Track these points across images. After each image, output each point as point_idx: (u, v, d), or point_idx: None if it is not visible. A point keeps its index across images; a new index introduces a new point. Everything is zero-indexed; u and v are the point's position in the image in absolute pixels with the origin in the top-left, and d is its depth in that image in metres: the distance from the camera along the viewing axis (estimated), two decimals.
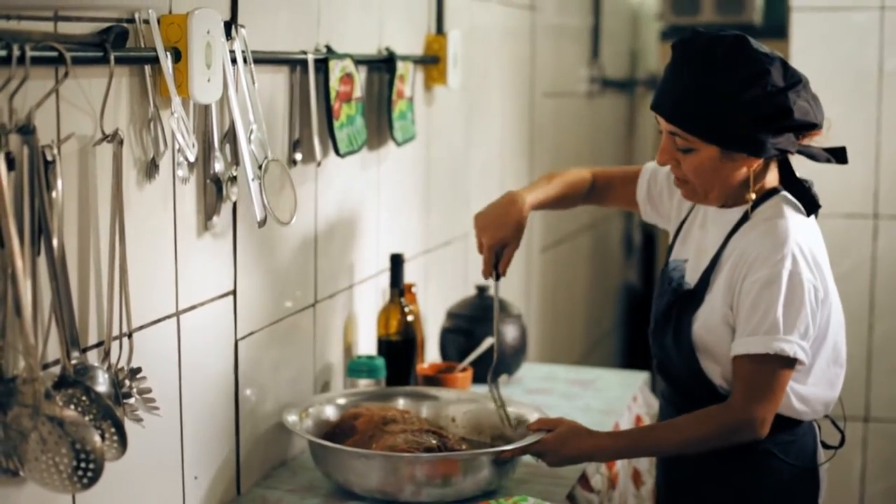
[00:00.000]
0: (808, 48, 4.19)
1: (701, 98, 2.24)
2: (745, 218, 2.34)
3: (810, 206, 2.37)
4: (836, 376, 2.40)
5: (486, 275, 2.59)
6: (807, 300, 2.25)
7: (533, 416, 2.51)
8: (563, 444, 2.36)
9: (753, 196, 2.33)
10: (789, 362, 2.25)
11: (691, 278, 2.40)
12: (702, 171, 2.29)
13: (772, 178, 2.37)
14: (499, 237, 2.56)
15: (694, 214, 2.50)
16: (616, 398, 3.08)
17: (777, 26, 5.26)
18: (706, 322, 2.33)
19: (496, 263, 2.58)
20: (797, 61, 4.17)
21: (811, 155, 2.36)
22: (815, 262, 2.29)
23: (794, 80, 2.26)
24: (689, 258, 2.45)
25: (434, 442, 2.34)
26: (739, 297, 2.27)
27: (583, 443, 2.36)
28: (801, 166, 2.44)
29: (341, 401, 2.59)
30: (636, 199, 2.68)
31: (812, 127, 2.29)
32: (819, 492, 2.46)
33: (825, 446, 2.47)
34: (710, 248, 2.39)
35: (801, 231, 2.31)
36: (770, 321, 2.23)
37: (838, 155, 2.39)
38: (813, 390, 2.36)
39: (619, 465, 2.79)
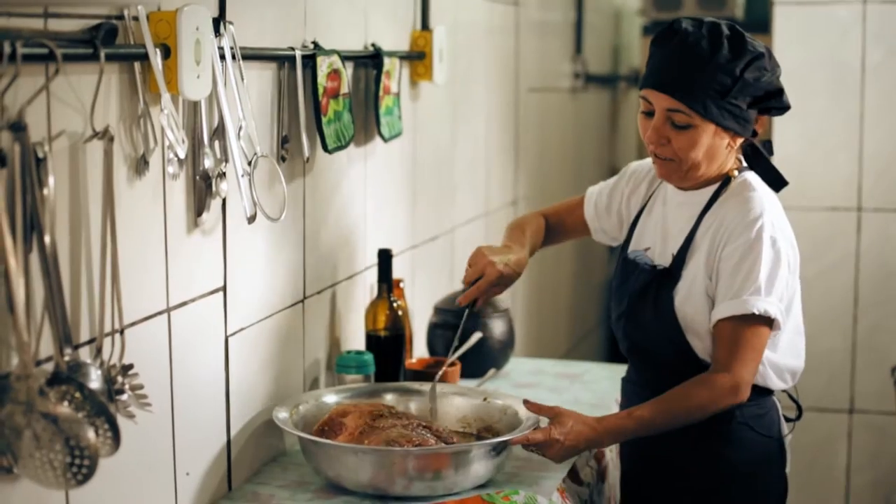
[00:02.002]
0: (790, 42, 4.21)
1: (709, 76, 2.38)
2: (715, 196, 2.49)
3: (777, 182, 2.54)
4: (799, 345, 2.54)
5: (466, 301, 2.64)
6: (783, 266, 2.40)
7: (523, 411, 2.51)
8: (568, 432, 2.36)
9: (737, 173, 2.50)
10: (768, 323, 2.38)
11: (663, 259, 2.53)
12: (694, 148, 2.41)
13: (736, 158, 2.54)
14: (502, 273, 2.63)
15: (648, 209, 2.64)
16: (604, 391, 3.09)
17: (759, 21, 5.28)
18: (687, 297, 2.45)
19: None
20: (780, 56, 4.18)
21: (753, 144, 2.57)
22: (786, 234, 2.45)
23: (776, 64, 2.49)
24: (652, 245, 2.57)
25: (428, 436, 2.34)
26: (720, 265, 2.42)
27: (587, 428, 2.38)
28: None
29: (331, 396, 2.59)
30: (585, 220, 2.83)
31: (787, 109, 2.49)
32: (786, 461, 2.59)
33: (786, 419, 2.59)
34: (678, 230, 2.52)
35: (772, 204, 2.47)
36: (752, 284, 2.36)
37: (769, 147, 2.60)
38: (783, 359, 2.49)
39: (609, 457, 2.80)
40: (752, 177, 2.51)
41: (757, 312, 2.35)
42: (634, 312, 2.55)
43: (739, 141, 2.46)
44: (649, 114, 2.45)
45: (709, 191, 2.50)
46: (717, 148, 2.43)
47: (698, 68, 2.38)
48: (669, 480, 2.57)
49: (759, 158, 2.56)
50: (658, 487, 2.60)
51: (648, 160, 2.65)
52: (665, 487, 2.59)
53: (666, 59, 2.43)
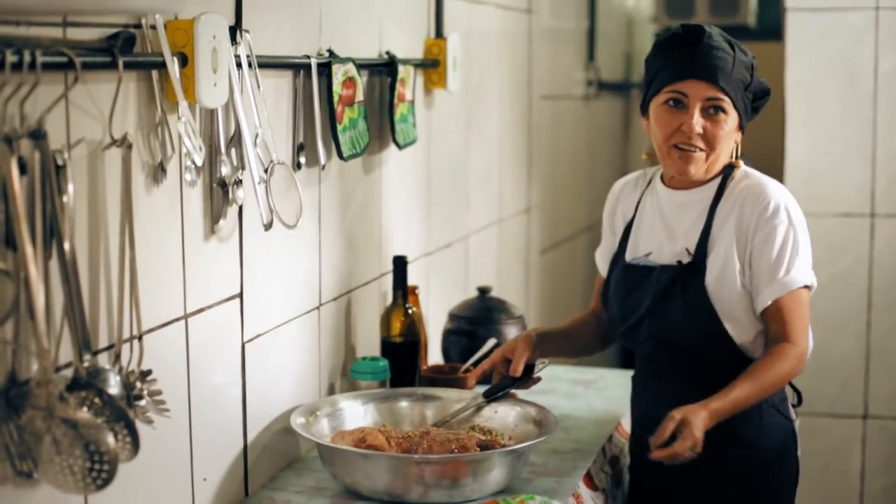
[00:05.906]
0: (803, 49, 4.21)
1: (736, 70, 2.54)
2: (721, 188, 2.59)
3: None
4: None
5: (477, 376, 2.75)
6: (803, 231, 2.57)
7: (541, 415, 2.52)
8: (692, 419, 2.39)
9: (741, 163, 2.63)
10: (808, 288, 2.56)
11: (672, 259, 2.59)
12: (724, 137, 2.55)
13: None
14: (509, 346, 2.68)
15: (638, 217, 2.70)
16: (618, 397, 3.09)
17: (771, 28, 5.28)
18: (720, 285, 2.53)
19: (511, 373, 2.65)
20: (792, 62, 4.19)
21: None
22: (793, 201, 2.60)
23: None
24: (655, 248, 2.63)
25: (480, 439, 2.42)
26: (754, 255, 2.53)
27: (701, 414, 2.40)
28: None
29: (347, 402, 2.59)
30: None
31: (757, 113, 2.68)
32: (797, 444, 2.70)
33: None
34: (687, 228, 2.60)
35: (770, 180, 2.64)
36: (797, 260, 2.53)
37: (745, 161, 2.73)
38: None
39: (623, 462, 2.81)
40: (747, 166, 2.64)
41: (801, 286, 2.52)
42: (660, 311, 2.58)
43: (740, 134, 2.61)
44: (677, 103, 2.54)
45: (712, 186, 2.60)
46: (731, 140, 2.58)
47: (729, 62, 2.53)
48: (690, 473, 2.52)
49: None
50: (675, 480, 2.58)
51: (627, 177, 2.78)
52: (683, 480, 2.57)
53: (699, 54, 2.53)
